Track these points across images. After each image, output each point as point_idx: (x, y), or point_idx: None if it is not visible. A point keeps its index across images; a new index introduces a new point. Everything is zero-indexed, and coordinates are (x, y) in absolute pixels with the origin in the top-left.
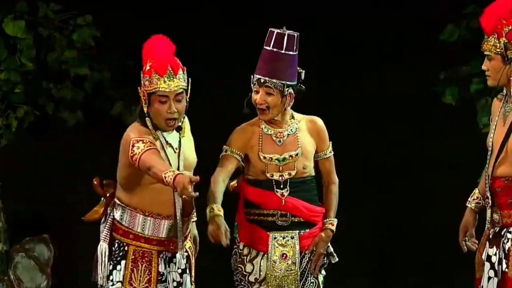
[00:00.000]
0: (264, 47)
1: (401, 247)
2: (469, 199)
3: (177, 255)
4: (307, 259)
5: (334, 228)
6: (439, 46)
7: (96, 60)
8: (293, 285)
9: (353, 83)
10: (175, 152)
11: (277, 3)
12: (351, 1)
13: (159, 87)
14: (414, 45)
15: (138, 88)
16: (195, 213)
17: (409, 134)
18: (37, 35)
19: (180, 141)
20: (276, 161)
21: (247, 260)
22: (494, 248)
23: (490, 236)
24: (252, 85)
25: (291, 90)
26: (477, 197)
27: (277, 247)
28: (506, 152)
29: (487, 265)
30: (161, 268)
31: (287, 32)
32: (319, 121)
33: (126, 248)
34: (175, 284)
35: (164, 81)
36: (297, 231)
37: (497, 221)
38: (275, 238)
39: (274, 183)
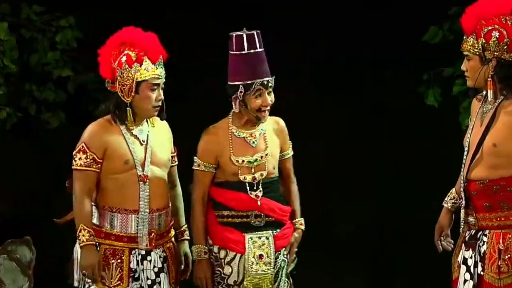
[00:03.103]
0: (242, 52)
1: (399, 247)
2: (446, 198)
3: (152, 253)
4: (281, 260)
5: (303, 227)
6: (423, 47)
7: (80, 61)
8: (269, 285)
9: (342, 85)
10: (141, 144)
11: (275, 3)
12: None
13: (155, 75)
14: (399, 46)
15: (111, 81)
16: (187, 231)
17: (404, 135)
18: (20, 36)
19: (148, 135)
20: (248, 163)
21: (225, 262)
22: (470, 251)
23: (466, 239)
24: (249, 91)
25: None
26: (454, 197)
27: (254, 248)
28: (481, 153)
29: (463, 268)
30: (133, 265)
31: (253, 31)
32: (282, 122)
33: (98, 248)
34: (149, 282)
35: (157, 68)
36: (271, 231)
37: (472, 223)
38: (251, 239)
39: (247, 185)
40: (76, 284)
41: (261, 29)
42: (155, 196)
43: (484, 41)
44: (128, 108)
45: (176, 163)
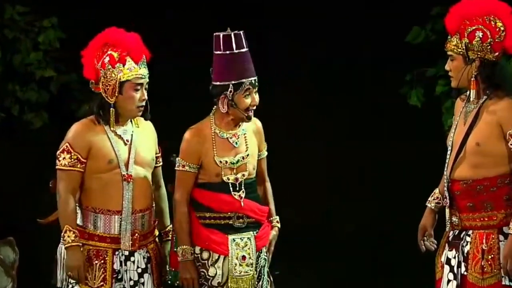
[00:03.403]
0: (231, 51)
1: (399, 247)
2: (429, 198)
3: (135, 253)
4: (262, 259)
5: (279, 225)
6: (406, 48)
7: (62, 61)
8: (252, 285)
9: (342, 85)
10: (125, 144)
11: (276, 3)
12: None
13: (138, 74)
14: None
15: (95, 82)
16: (171, 233)
17: (404, 135)
18: (3, 37)
19: (132, 135)
20: (231, 164)
21: (209, 264)
22: (454, 251)
23: (450, 239)
24: (238, 91)
25: None
26: (437, 197)
27: (237, 249)
28: (465, 153)
29: (446, 268)
30: (116, 265)
31: (239, 32)
32: (259, 122)
33: (82, 249)
34: (131, 283)
35: (140, 68)
36: (251, 232)
37: (456, 223)
38: (234, 240)
39: (230, 185)
40: (59, 284)
41: (261, 29)
42: (138, 196)
43: (467, 41)
44: (112, 109)
45: (161, 163)
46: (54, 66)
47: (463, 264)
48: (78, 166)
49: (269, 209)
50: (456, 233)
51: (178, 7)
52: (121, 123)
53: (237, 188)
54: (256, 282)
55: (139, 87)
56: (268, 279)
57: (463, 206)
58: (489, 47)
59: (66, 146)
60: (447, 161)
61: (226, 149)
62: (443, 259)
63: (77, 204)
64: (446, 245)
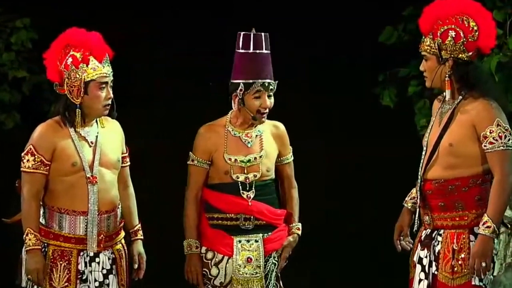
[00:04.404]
0: (247, 51)
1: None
2: (406, 198)
3: (100, 254)
4: (271, 263)
5: (300, 232)
6: (379, 48)
7: (35, 62)
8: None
9: (342, 85)
10: (90, 146)
11: (275, 3)
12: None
13: (102, 73)
14: (354, 46)
15: (59, 84)
16: (140, 231)
17: (404, 134)
18: None
19: (97, 136)
20: (241, 162)
21: (212, 264)
22: (425, 250)
23: (422, 238)
24: (248, 91)
25: None
26: (414, 197)
27: (242, 251)
28: (438, 153)
29: (418, 267)
30: (81, 266)
31: (261, 33)
32: (282, 126)
33: (46, 249)
34: (97, 284)
35: (104, 67)
36: (261, 234)
37: (428, 223)
38: (239, 242)
39: (240, 184)
40: (23, 284)
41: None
42: (104, 197)
43: (440, 40)
44: (77, 110)
45: (128, 163)
46: (26, 67)
47: (434, 263)
48: (42, 168)
49: (289, 214)
50: (428, 232)
51: (178, 7)
52: (87, 124)
53: (247, 188)
54: (264, 286)
55: (104, 86)
56: (277, 283)
57: (434, 206)
58: (462, 46)
59: (30, 148)
60: (421, 161)
61: (238, 147)
62: (415, 258)
63: (42, 204)
64: (419, 244)
